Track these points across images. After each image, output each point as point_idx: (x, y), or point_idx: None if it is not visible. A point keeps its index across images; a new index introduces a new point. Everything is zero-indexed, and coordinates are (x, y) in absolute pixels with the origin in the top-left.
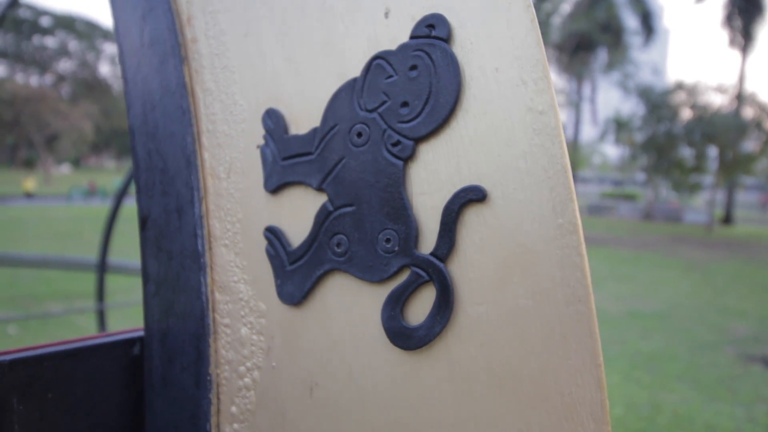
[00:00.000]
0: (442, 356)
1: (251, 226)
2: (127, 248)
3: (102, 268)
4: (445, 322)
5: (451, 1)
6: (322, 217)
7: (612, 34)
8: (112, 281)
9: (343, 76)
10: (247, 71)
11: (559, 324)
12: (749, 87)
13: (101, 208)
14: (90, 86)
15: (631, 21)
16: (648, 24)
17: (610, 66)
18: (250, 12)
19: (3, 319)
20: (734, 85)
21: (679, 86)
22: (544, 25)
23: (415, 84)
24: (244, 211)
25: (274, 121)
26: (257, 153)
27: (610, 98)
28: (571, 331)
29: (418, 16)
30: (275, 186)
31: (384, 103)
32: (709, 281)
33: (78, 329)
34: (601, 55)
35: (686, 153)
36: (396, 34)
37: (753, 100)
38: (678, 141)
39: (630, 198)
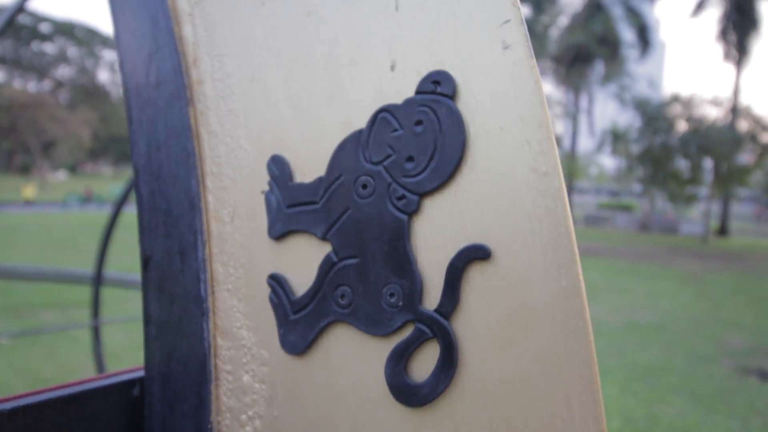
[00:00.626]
0: (445, 414)
1: (255, 271)
2: (125, 258)
3: (97, 282)
4: (449, 381)
5: (456, 58)
6: (327, 267)
7: (609, 47)
8: (107, 292)
9: (348, 126)
10: (253, 116)
11: (563, 387)
12: (744, 100)
13: (97, 214)
14: (88, 92)
15: (627, 34)
16: (644, 37)
17: (606, 78)
18: (257, 57)
19: None
20: (729, 98)
21: (675, 99)
22: (541, 37)
23: (421, 139)
24: (247, 257)
25: (279, 167)
26: (262, 198)
27: (606, 110)
28: (574, 394)
29: (424, 72)
30: (279, 233)
31: (389, 156)
32: (705, 293)
33: (72, 339)
34: (598, 68)
35: (682, 165)
36: (401, 88)
37: (748, 113)
38: (674, 153)
39: (626, 209)
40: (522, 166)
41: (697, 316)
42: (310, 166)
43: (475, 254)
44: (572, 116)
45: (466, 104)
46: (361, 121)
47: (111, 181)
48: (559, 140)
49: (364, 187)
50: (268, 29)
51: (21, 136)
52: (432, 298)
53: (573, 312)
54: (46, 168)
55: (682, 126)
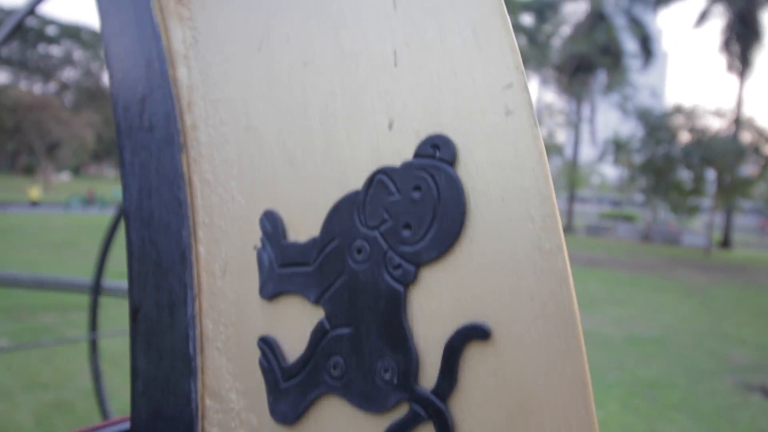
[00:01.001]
0: None
1: (245, 331)
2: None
3: (96, 294)
4: None
5: (457, 122)
6: (319, 335)
7: (611, 57)
8: (106, 300)
9: (344, 185)
10: (247, 166)
11: None
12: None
13: (99, 216)
14: (93, 95)
15: (630, 44)
16: (647, 47)
17: (609, 88)
18: (252, 106)
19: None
20: (732, 110)
21: (678, 109)
22: (544, 46)
23: (418, 206)
24: (238, 315)
25: (272, 224)
26: (254, 254)
27: (609, 119)
28: None
29: (423, 133)
30: (271, 294)
31: (385, 221)
32: (708, 306)
33: (71, 343)
34: (601, 77)
35: (684, 175)
36: (399, 148)
37: (751, 125)
38: (676, 163)
39: (628, 219)
40: (525, 242)
41: (700, 329)
42: (304, 224)
43: (474, 334)
44: (574, 125)
45: (467, 171)
46: (357, 181)
47: (113, 183)
48: (560, 149)
49: (359, 252)
50: (263, 77)
51: (26, 137)
52: (429, 377)
53: (577, 405)
54: (50, 169)
55: (684, 137)
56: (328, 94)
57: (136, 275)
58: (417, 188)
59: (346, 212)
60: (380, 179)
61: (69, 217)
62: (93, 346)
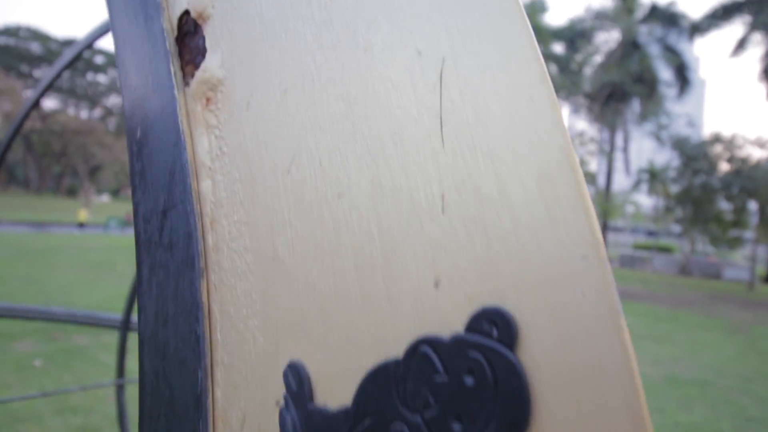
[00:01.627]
0: None
1: None
2: None
3: (124, 338)
4: None
5: (518, 292)
6: None
7: (645, 85)
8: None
9: (380, 347)
10: (271, 304)
11: None
12: None
13: None
14: None
15: (665, 72)
16: (683, 75)
17: (643, 116)
18: (278, 234)
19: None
20: None
21: (717, 138)
22: (575, 74)
23: (472, 396)
24: None
25: (297, 381)
26: (276, 411)
27: (643, 147)
28: None
29: (476, 302)
30: None
31: (430, 406)
32: (754, 346)
33: (101, 365)
34: (634, 105)
35: (724, 206)
36: (447, 314)
37: None
38: (715, 194)
39: (665, 250)
40: None
41: (745, 372)
42: (334, 385)
43: None
44: (607, 154)
45: (531, 355)
46: (396, 345)
47: None
48: (593, 178)
49: None
50: (292, 203)
51: (70, 160)
52: None
53: None
54: (92, 191)
55: (723, 166)
56: (364, 233)
57: (147, 413)
58: (470, 372)
59: (383, 383)
60: (424, 351)
61: (107, 238)
62: (119, 391)
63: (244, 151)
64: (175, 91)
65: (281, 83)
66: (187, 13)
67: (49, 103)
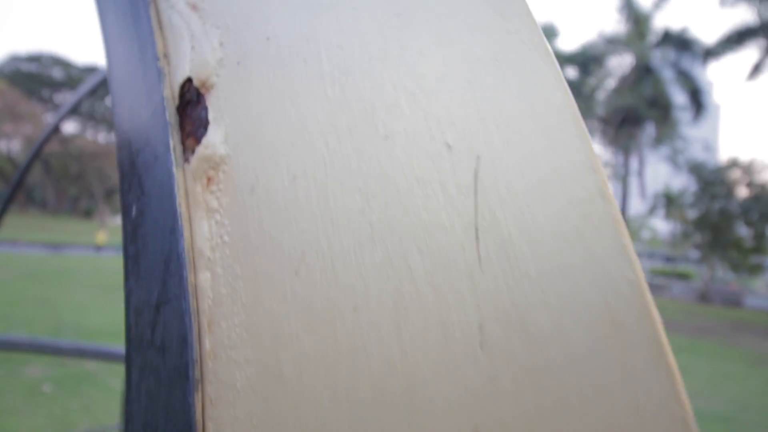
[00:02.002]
0: None
1: None
2: None
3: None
4: None
5: None
6: None
7: (660, 110)
8: None
9: None
10: None
11: None
12: None
13: None
14: None
15: (679, 97)
16: (697, 100)
17: (658, 141)
18: (284, 348)
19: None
20: None
21: (734, 163)
22: (588, 99)
23: None
24: None
25: None
26: None
27: (658, 172)
28: None
29: None
30: None
31: None
32: None
33: (111, 391)
34: (649, 130)
35: (744, 232)
36: None
37: None
38: (734, 220)
39: (683, 277)
40: None
41: None
42: None
43: None
44: (622, 178)
45: None
46: None
47: None
48: None
49: None
50: (301, 311)
51: (87, 182)
52: None
53: None
54: (107, 213)
55: (742, 191)
56: (384, 360)
57: None
58: None
59: None
60: None
61: (121, 260)
62: None
63: (247, 242)
64: (174, 168)
65: (290, 167)
66: (189, 80)
67: (69, 127)
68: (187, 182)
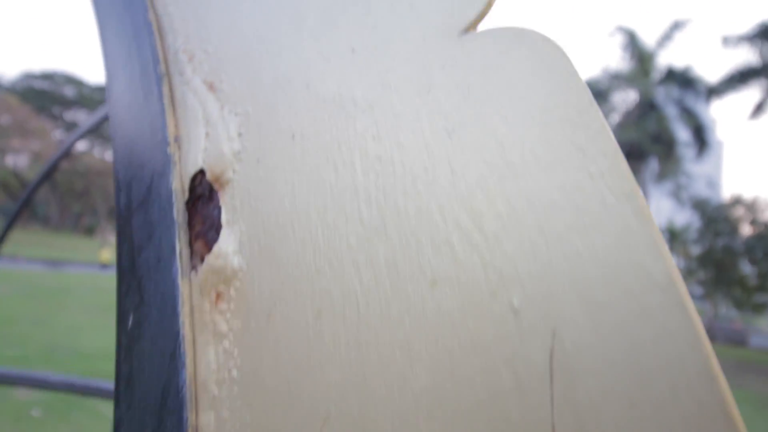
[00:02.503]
0: None
1: None
2: None
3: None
4: None
5: None
6: None
7: (663, 145)
8: None
9: None
10: None
11: None
12: None
13: None
14: None
15: (683, 133)
16: (701, 136)
17: (661, 176)
18: None
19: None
20: None
21: (737, 200)
22: None
23: None
24: None
25: None
26: None
27: (662, 207)
28: None
29: None
30: None
31: None
32: None
33: (101, 417)
34: (653, 165)
35: (748, 270)
36: None
37: None
38: (738, 257)
39: None
40: None
41: None
42: None
43: None
44: None
45: None
46: None
47: None
48: None
49: None
50: None
51: (91, 199)
52: None
53: None
54: (109, 230)
55: (745, 229)
56: None
57: None
58: None
59: None
60: None
61: None
62: None
63: (260, 384)
64: (179, 277)
65: (314, 297)
66: (202, 172)
67: (77, 144)
68: (193, 296)
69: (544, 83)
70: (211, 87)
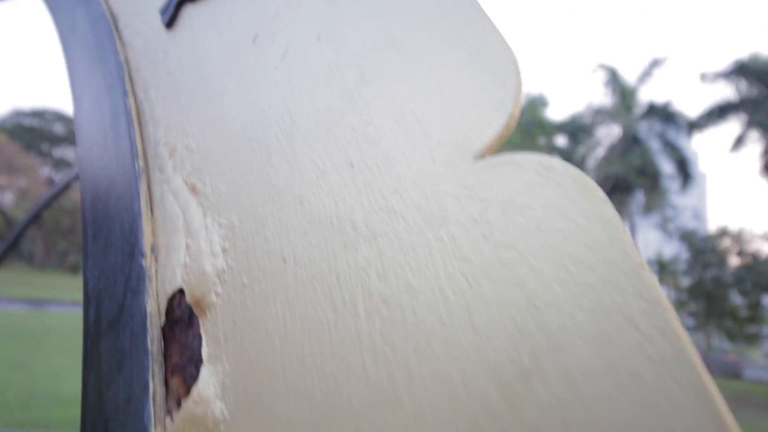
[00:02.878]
0: None
1: None
2: None
3: None
4: None
5: None
6: None
7: (648, 178)
8: None
9: None
10: None
11: None
12: None
13: None
14: None
15: (666, 166)
16: (684, 169)
17: (648, 208)
18: None
19: None
20: None
21: (724, 232)
22: (579, 166)
23: None
24: None
25: None
26: None
27: (649, 238)
28: None
29: None
30: None
31: None
32: None
33: None
34: (639, 197)
35: (738, 300)
36: None
37: None
38: (728, 288)
39: None
40: None
41: None
42: None
43: None
44: None
45: None
46: None
47: None
48: None
49: None
50: None
51: (77, 237)
52: None
53: None
54: None
55: (734, 260)
56: None
57: None
58: None
59: None
60: None
61: None
62: None
63: None
64: (151, 425)
65: None
66: (181, 292)
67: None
68: None
69: (581, 232)
70: (193, 189)
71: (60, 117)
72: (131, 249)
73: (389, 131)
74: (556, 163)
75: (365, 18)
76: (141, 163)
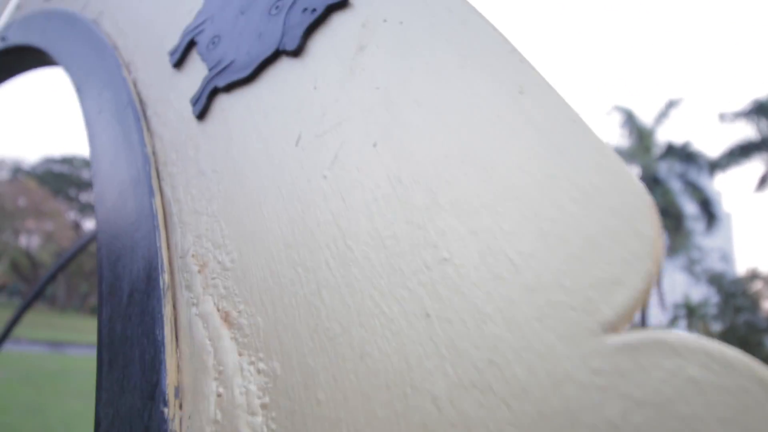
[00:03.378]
0: None
1: None
2: None
3: None
4: None
5: None
6: None
7: (671, 219)
8: None
9: None
10: None
11: None
12: None
13: None
14: None
15: (689, 206)
16: (708, 210)
17: (673, 250)
18: None
19: None
20: None
21: (754, 274)
22: None
23: None
24: None
25: None
26: None
27: (675, 281)
28: None
29: None
30: None
31: None
32: None
33: None
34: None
35: None
36: None
37: None
38: (763, 334)
39: None
40: None
41: None
42: None
43: None
44: None
45: None
46: None
47: None
48: None
49: None
50: None
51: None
52: None
53: None
54: None
55: (766, 304)
56: None
57: None
58: None
59: None
60: None
61: None
62: None
63: None
64: None
65: None
66: None
67: (89, 224)
68: None
69: None
70: (226, 319)
71: (88, 163)
72: (151, 390)
73: (475, 275)
74: (730, 354)
75: (432, 125)
76: (167, 278)
